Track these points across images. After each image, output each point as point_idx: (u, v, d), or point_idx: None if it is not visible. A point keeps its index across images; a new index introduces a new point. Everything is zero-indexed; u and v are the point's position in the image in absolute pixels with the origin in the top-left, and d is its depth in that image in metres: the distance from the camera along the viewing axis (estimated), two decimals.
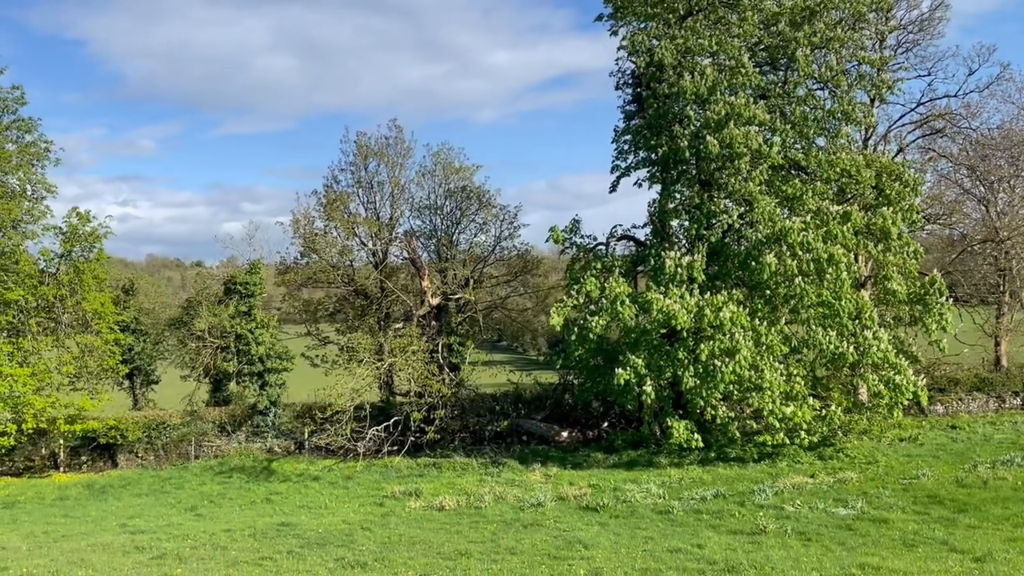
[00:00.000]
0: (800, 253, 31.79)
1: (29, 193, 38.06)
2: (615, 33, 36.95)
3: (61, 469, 38.32)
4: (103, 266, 39.57)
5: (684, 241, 36.45)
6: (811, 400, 31.55)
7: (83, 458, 39.11)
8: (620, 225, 38.34)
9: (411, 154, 43.70)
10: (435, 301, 41.28)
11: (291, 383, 42.37)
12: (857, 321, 32.13)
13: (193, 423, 39.85)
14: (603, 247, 37.80)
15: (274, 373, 40.92)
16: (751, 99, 33.49)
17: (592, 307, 33.63)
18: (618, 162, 37.45)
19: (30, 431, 35.14)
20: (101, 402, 37.72)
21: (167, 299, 75.98)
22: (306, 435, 38.54)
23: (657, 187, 36.89)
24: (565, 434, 39.32)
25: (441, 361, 39.33)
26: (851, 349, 31.21)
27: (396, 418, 37.19)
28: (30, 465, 38.62)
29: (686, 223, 35.64)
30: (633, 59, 36.31)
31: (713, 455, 32.52)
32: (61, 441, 37.81)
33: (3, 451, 36.71)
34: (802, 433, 30.92)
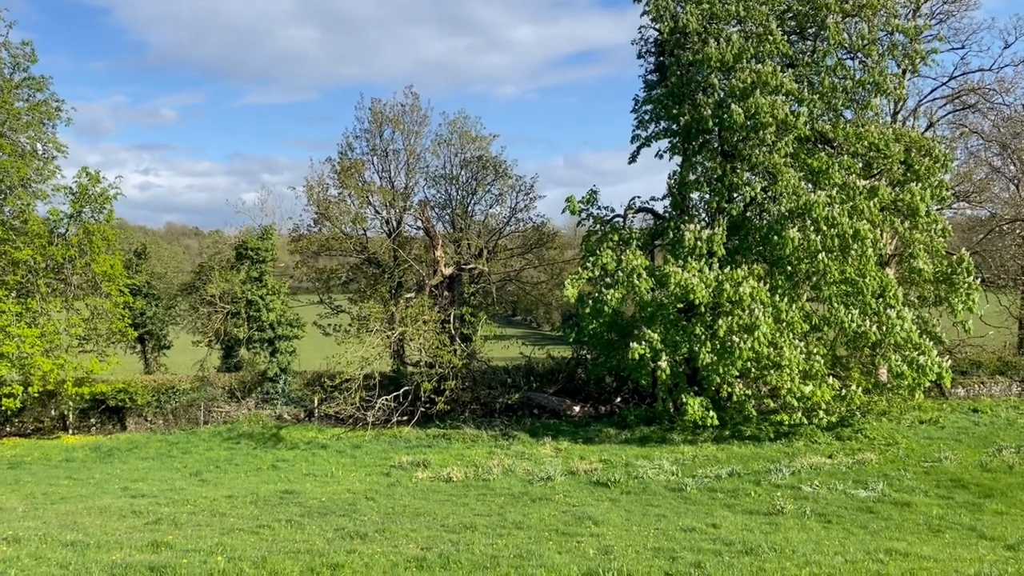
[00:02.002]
0: (824, 228, 30.76)
1: (40, 152, 37.47)
2: None
3: (70, 431, 38.19)
4: (113, 228, 39.13)
5: (704, 214, 35.56)
6: (830, 379, 30.72)
7: (92, 420, 38.98)
8: (638, 197, 37.52)
9: (427, 122, 42.80)
10: (448, 271, 40.60)
11: (302, 351, 41.99)
12: (881, 300, 31.12)
13: (203, 388, 39.57)
14: (620, 219, 36.94)
15: (285, 340, 40.57)
16: (778, 68, 32.34)
17: (608, 280, 32.83)
18: (638, 132, 36.54)
19: (36, 393, 34.90)
20: (110, 365, 37.39)
21: (181, 264, 75.92)
22: (316, 403, 38.12)
23: (678, 158, 35.87)
24: (577, 408, 38.71)
25: (453, 332, 38.70)
26: (873, 328, 30.23)
27: (406, 388, 36.72)
28: (39, 427, 38.55)
29: (707, 195, 34.70)
30: (656, 26, 35.24)
31: (728, 433, 31.81)
32: (70, 403, 37.59)
33: (11, 412, 36.56)
34: (820, 413, 30.14)
